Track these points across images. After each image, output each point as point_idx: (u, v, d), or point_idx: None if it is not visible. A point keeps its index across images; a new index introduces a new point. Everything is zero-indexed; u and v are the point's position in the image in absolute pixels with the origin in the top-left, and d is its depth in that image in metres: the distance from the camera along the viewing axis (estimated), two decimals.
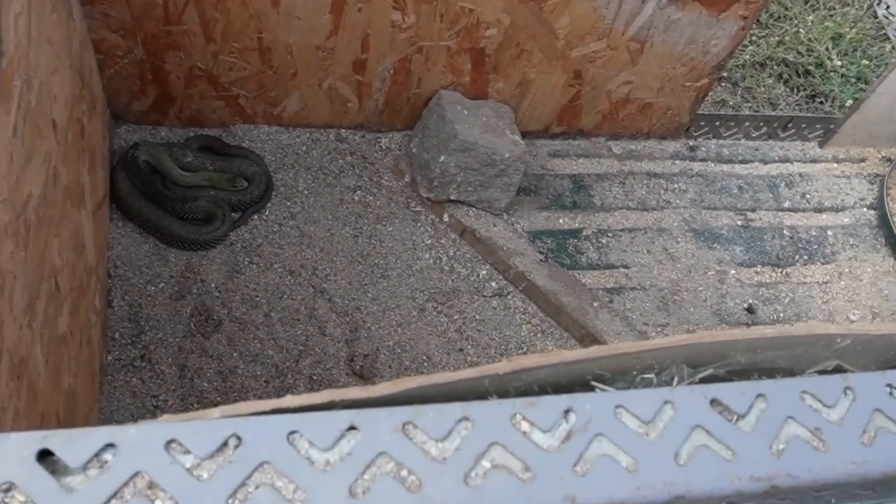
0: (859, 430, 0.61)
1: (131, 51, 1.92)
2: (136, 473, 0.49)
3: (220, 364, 1.93)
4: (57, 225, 1.45)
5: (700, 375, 0.66)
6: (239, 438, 0.51)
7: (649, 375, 0.64)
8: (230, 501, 0.49)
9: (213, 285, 2.03)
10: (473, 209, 2.24)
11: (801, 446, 0.59)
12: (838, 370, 0.70)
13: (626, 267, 2.30)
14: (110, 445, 0.49)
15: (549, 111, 2.33)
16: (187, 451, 0.50)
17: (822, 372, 0.68)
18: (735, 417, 0.59)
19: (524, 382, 0.62)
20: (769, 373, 0.67)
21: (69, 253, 1.54)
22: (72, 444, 0.49)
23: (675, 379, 0.65)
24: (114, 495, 0.48)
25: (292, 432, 0.52)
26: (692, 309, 2.28)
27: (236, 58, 1.99)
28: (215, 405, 1.89)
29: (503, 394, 0.62)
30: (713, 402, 0.60)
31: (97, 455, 0.49)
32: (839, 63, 2.89)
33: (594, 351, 0.62)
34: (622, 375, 0.65)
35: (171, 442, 0.50)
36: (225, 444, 0.51)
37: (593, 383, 0.64)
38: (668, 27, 2.08)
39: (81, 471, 0.49)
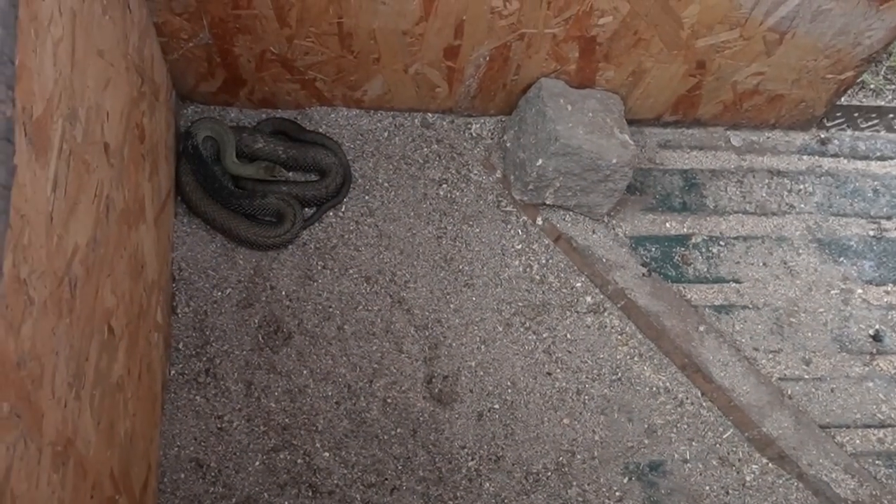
0: None
1: (197, 34, 1.72)
2: None
3: (288, 382, 1.79)
4: (110, 262, 1.30)
5: None
6: None
7: None
8: None
9: (283, 293, 1.87)
10: (571, 213, 2.00)
11: None
12: None
13: (737, 282, 2.04)
14: None
15: (663, 100, 2.04)
16: None
17: None
18: None
19: None
20: None
21: (125, 283, 1.39)
22: None
23: None
24: None
25: None
26: (809, 334, 2.02)
27: (313, 42, 1.76)
28: (284, 428, 1.72)
29: None
30: None
31: None
32: None
33: None
34: None
35: None
36: None
37: None
38: (815, 17, 1.75)
39: None
